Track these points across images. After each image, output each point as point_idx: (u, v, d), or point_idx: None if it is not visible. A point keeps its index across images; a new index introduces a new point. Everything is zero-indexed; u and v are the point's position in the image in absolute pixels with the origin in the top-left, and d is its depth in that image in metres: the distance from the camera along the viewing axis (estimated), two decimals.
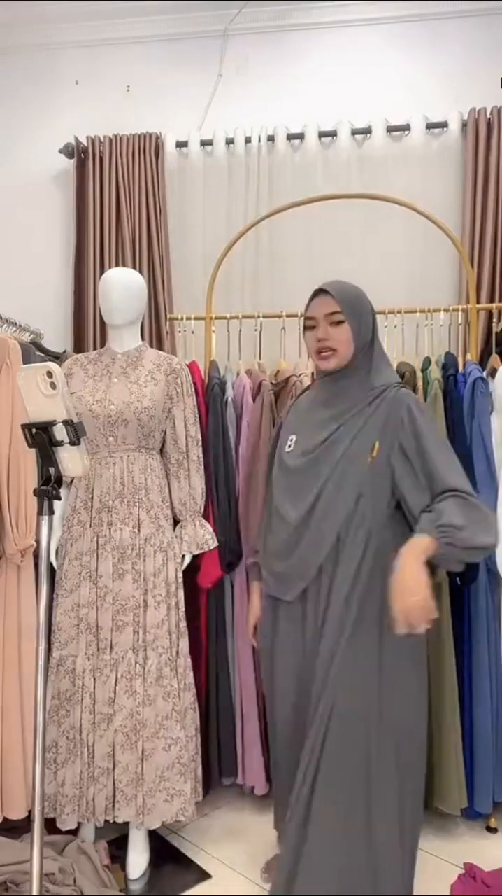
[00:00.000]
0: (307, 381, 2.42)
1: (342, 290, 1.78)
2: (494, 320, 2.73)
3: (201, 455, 2.28)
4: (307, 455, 1.79)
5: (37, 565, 2.28)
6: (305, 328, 1.83)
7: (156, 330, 3.24)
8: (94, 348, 3.20)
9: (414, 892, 1.77)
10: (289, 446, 1.85)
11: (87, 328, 3.30)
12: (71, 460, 1.35)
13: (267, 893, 1.99)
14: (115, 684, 2.06)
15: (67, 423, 1.33)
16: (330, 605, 1.71)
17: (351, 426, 1.74)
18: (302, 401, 1.97)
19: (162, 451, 2.26)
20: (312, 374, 2.45)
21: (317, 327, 1.79)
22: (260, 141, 3.23)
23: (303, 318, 1.84)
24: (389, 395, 1.75)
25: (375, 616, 1.67)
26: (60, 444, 1.34)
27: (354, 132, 3.20)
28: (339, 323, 1.76)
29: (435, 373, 2.40)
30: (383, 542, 1.69)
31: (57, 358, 2.65)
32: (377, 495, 1.71)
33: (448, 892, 2.01)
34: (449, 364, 2.42)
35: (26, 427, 1.35)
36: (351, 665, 1.68)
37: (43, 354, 2.58)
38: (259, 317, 2.64)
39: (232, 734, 2.42)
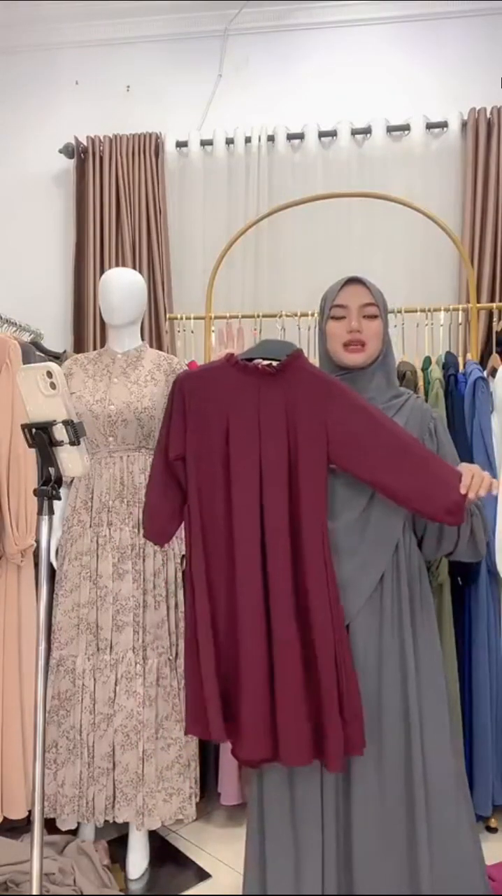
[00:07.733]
0: None
1: (374, 285, 1.68)
2: (494, 320, 2.73)
3: None
4: None
5: (37, 565, 2.28)
6: (330, 317, 1.67)
7: (156, 329, 3.25)
8: (94, 348, 3.20)
9: None
10: None
11: (87, 328, 3.30)
12: (71, 460, 1.35)
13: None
14: (115, 684, 2.06)
15: (67, 423, 1.33)
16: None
17: None
18: None
19: None
20: None
21: (347, 318, 1.64)
22: (260, 141, 3.23)
23: (330, 308, 1.67)
24: (413, 403, 1.68)
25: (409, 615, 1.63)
26: (60, 444, 1.34)
27: (354, 132, 3.20)
28: (373, 317, 1.65)
29: (436, 372, 2.40)
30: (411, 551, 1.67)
31: (57, 358, 2.65)
32: None
33: None
34: (449, 363, 2.42)
35: (26, 427, 1.35)
36: None
37: (43, 354, 2.58)
38: (259, 317, 2.64)
39: None
